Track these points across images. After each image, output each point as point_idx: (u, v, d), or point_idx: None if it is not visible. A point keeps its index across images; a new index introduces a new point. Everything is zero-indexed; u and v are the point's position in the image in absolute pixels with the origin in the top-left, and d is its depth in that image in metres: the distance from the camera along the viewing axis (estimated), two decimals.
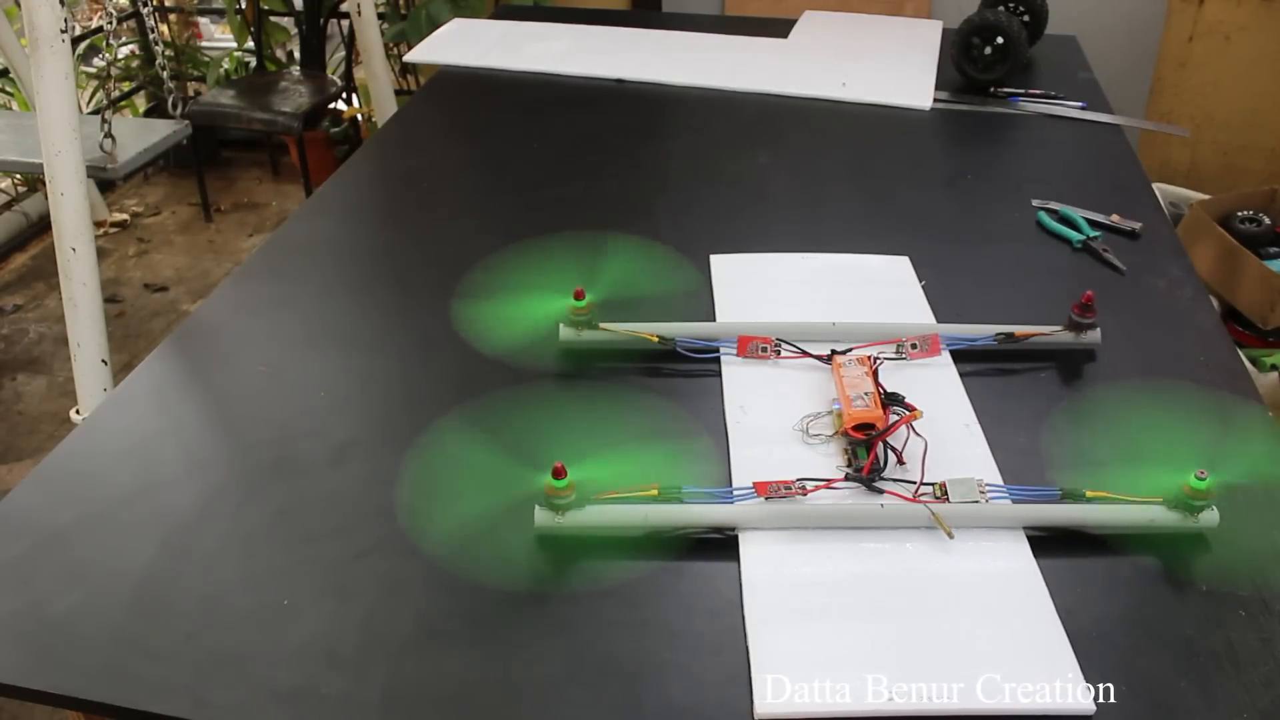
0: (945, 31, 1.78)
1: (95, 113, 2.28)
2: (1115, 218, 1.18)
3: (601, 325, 0.93)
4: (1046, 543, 0.74)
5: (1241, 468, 0.78)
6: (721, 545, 0.74)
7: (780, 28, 1.85)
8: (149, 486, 0.79)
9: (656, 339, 0.92)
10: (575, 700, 0.63)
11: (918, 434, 0.79)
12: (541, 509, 0.73)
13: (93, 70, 3.24)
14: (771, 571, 0.71)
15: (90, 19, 3.48)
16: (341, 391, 0.91)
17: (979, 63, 1.58)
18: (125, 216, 3.15)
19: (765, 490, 0.75)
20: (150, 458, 0.83)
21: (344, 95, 3.17)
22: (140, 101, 3.41)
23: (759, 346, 0.93)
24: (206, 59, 3.43)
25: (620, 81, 1.62)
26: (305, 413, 0.87)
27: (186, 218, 3.17)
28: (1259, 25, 2.47)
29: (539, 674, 0.64)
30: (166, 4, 3.39)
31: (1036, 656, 0.65)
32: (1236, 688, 0.63)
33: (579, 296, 0.92)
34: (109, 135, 2.05)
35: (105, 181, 2.94)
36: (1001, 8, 1.70)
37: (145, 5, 2.31)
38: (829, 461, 0.81)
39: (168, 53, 2.99)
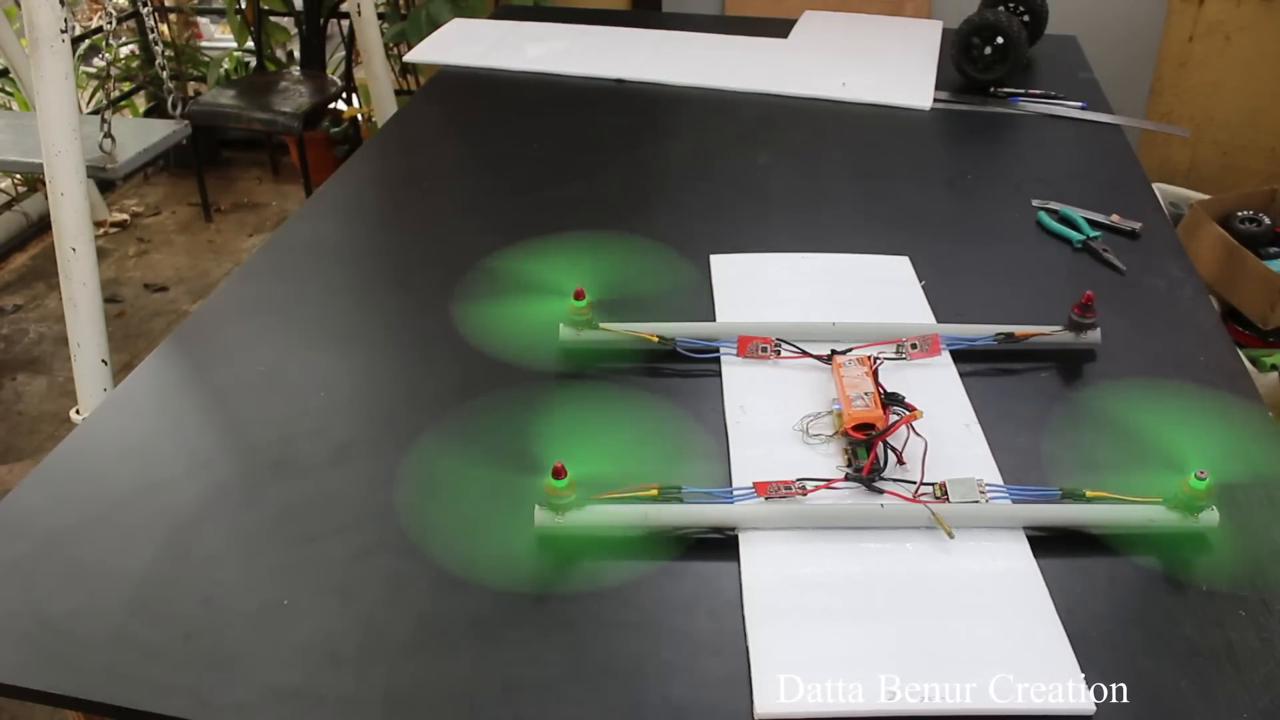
0: (945, 31, 1.78)
1: (95, 113, 2.28)
2: (1115, 218, 1.18)
3: (601, 325, 0.93)
4: (1046, 543, 0.74)
5: (1241, 468, 0.78)
6: (721, 545, 0.74)
7: (780, 28, 1.85)
8: (149, 486, 0.79)
9: (656, 339, 0.92)
10: (575, 700, 0.63)
11: (918, 434, 0.79)
12: (541, 509, 0.73)
13: (93, 70, 3.24)
14: (771, 571, 0.71)
15: (90, 19, 3.48)
16: (341, 391, 0.91)
17: (979, 63, 1.58)
18: (125, 216, 3.15)
19: (765, 490, 0.75)
20: (150, 458, 0.83)
21: (344, 95, 3.17)
22: (140, 101, 3.41)
23: (759, 346, 0.93)
24: (206, 59, 3.43)
25: (620, 81, 1.62)
26: (305, 413, 0.87)
27: (186, 218, 3.17)
28: (1259, 25, 2.47)
29: (539, 674, 0.64)
30: (166, 4, 3.39)
31: (1036, 656, 0.65)
32: (1236, 688, 0.63)
33: (579, 296, 0.92)
34: (109, 135, 2.05)
35: (105, 181, 2.94)
36: (1001, 8, 1.70)
37: (145, 5, 2.31)
38: (829, 461, 0.81)
39: (168, 53, 2.99)
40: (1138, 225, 1.17)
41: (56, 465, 0.82)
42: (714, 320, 1.00)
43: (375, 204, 1.31)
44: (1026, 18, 1.70)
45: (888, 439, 0.79)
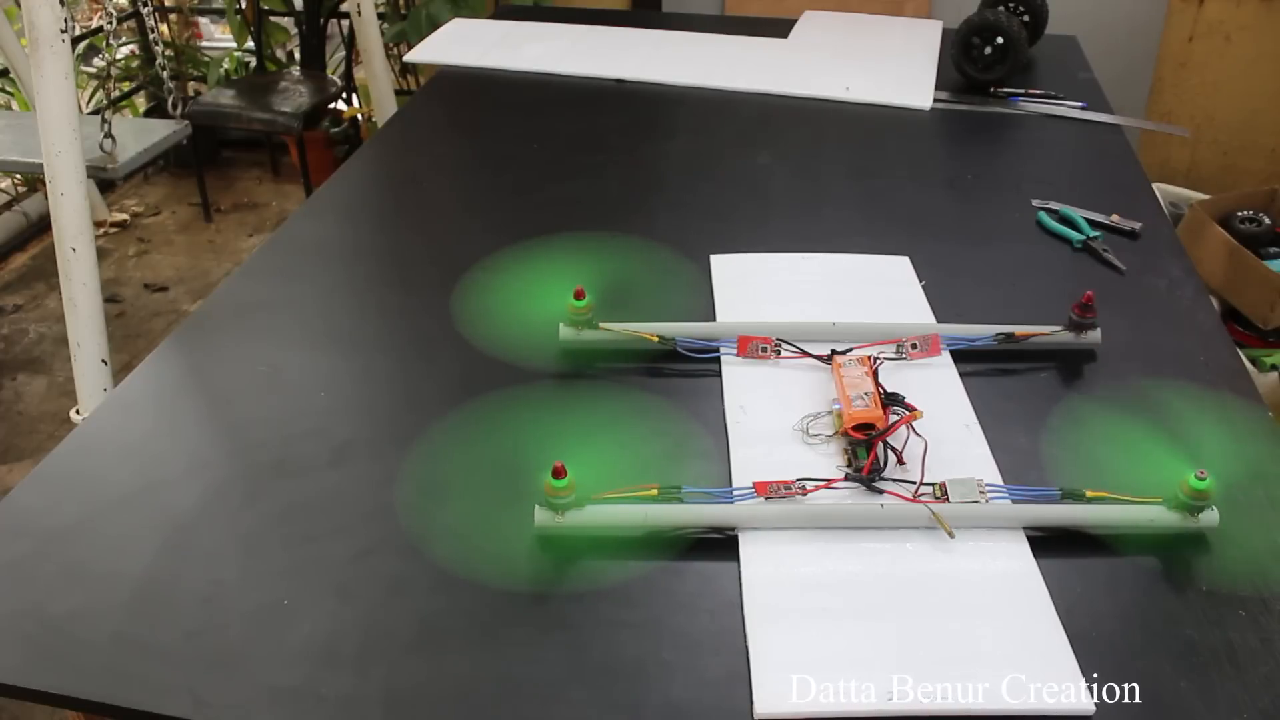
0: (945, 31, 1.78)
1: (95, 113, 2.28)
2: (1115, 218, 1.18)
3: (601, 325, 0.93)
4: (1046, 543, 0.74)
5: (1241, 468, 0.78)
6: (721, 545, 0.74)
7: (780, 28, 1.85)
8: (149, 486, 0.79)
9: (656, 339, 0.92)
10: (575, 700, 0.63)
11: (918, 434, 0.79)
12: (541, 509, 0.73)
13: (93, 70, 3.24)
14: (771, 571, 0.71)
15: (90, 19, 3.48)
16: (341, 391, 0.91)
17: (979, 63, 1.58)
18: (125, 216, 3.15)
19: (765, 490, 0.75)
20: (150, 458, 0.83)
21: (344, 95, 3.17)
22: (140, 101, 3.41)
23: (759, 346, 0.93)
24: (206, 59, 3.43)
25: (620, 81, 1.62)
26: (305, 413, 0.87)
27: (186, 218, 3.17)
28: (1259, 25, 2.47)
29: (539, 674, 0.64)
30: (166, 4, 3.39)
31: (1036, 656, 0.65)
32: (1236, 688, 0.63)
33: (579, 296, 0.92)
34: (109, 135, 2.05)
35: (105, 181, 2.95)
36: (1001, 8, 1.70)
37: (145, 5, 2.31)
38: (829, 461, 0.81)
39: (168, 53, 2.99)
40: (1138, 225, 1.17)
41: (56, 465, 0.82)
42: (714, 320, 1.00)
43: (375, 204, 1.31)
44: (1026, 18, 1.70)
45: (888, 439, 0.79)
